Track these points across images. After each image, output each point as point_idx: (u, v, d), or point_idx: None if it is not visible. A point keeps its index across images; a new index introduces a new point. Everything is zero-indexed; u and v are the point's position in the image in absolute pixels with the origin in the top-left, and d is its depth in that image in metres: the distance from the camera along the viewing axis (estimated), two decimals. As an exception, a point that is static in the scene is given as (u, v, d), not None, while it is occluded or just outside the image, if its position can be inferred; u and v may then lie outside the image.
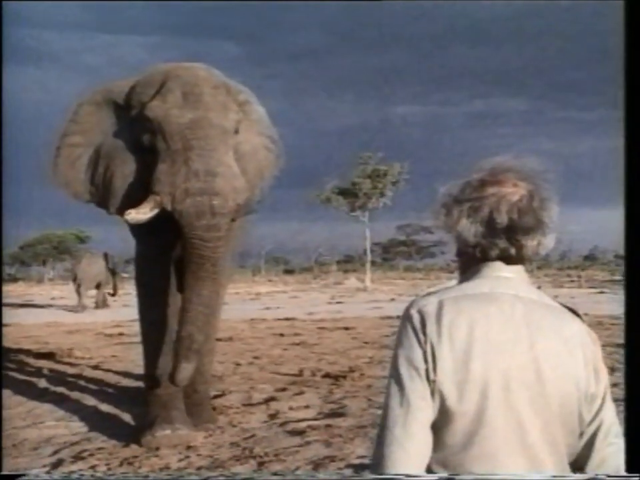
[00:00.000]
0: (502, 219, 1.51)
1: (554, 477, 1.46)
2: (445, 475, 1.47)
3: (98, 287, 22.52)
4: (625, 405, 1.46)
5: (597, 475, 1.49)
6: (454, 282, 1.62)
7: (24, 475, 3.20)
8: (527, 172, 1.55)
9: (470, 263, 1.59)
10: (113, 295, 21.22)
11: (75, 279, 22.24)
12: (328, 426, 5.58)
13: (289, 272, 67.91)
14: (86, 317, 18.25)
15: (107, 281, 22.29)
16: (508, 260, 1.54)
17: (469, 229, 1.53)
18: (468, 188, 1.55)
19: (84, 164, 5.41)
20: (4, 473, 4.11)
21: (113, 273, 21.74)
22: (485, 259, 1.55)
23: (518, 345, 1.46)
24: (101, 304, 22.12)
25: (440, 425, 1.48)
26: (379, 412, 1.53)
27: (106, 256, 21.98)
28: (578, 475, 1.47)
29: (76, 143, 5.43)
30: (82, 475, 4.26)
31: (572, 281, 37.93)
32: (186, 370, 4.83)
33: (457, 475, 1.46)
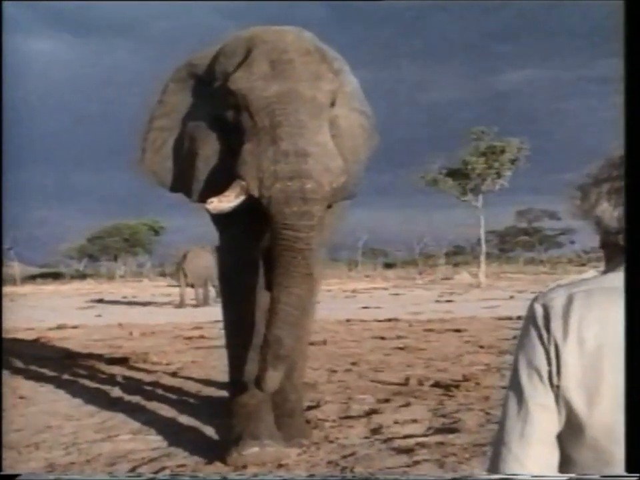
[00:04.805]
0: None
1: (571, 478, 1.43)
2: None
3: (204, 284, 23.28)
4: (625, 404, 1.41)
5: (597, 475, 1.45)
6: (592, 273, 1.58)
7: (20, 475, 3.34)
8: None
9: (615, 253, 1.54)
10: None
11: (181, 276, 23.14)
12: (440, 443, 5.54)
13: (389, 266, 67.94)
14: (162, 317, 18.71)
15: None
16: None
17: (611, 213, 1.49)
18: (607, 166, 1.52)
19: (170, 148, 5.49)
20: (3, 473, 4.27)
21: None
22: None
23: None
24: (203, 302, 22.83)
25: (567, 438, 1.44)
26: (499, 426, 1.52)
27: None
28: (577, 476, 1.43)
29: (162, 127, 5.52)
30: (73, 473, 4.47)
31: None
32: (273, 378, 4.84)
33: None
